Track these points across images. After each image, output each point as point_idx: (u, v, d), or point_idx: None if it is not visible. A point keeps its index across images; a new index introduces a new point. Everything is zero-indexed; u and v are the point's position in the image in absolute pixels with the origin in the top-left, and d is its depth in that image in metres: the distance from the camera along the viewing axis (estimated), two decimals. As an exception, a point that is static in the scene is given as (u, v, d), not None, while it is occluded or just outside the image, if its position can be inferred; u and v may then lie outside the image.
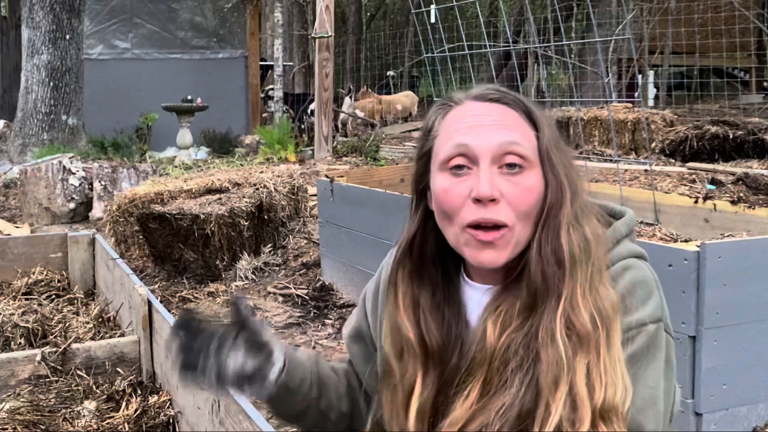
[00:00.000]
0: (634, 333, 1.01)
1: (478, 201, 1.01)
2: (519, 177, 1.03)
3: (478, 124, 1.05)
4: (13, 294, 3.24)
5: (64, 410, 2.30)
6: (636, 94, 13.01)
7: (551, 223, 1.03)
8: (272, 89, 11.68)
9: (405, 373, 1.11)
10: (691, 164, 6.80)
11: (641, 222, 3.88)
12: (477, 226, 1.02)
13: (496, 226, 1.02)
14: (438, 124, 1.11)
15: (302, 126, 11.39)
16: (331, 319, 3.85)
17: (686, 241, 3.00)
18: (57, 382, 2.45)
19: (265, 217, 4.77)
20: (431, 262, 1.12)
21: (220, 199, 4.69)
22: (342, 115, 12.43)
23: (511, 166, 1.03)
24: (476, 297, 1.11)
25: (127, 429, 2.19)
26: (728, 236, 3.33)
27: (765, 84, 17.12)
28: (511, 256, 1.04)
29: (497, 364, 1.01)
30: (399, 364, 1.11)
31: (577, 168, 1.10)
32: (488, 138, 1.04)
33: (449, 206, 1.04)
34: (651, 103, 13.58)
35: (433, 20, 6.00)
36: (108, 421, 2.22)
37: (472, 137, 1.04)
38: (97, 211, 6.34)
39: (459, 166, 1.04)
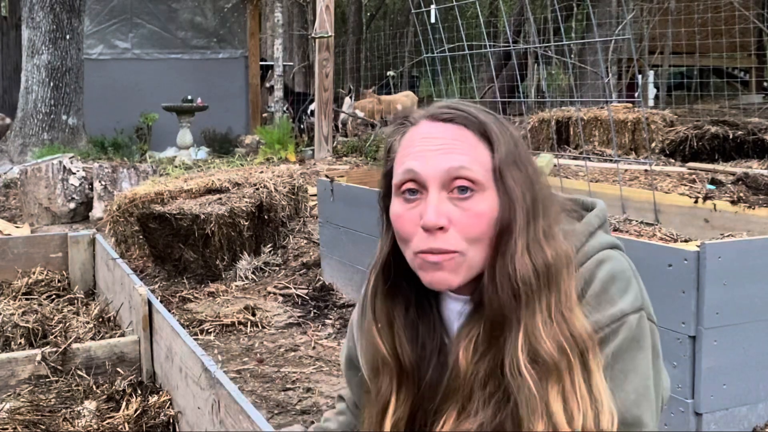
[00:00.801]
0: (617, 325, 1.00)
1: (426, 230, 1.00)
2: (469, 202, 1.01)
3: (427, 149, 1.03)
4: (14, 294, 3.24)
5: (64, 410, 2.31)
6: (636, 94, 13.01)
7: (504, 248, 1.00)
8: (273, 83, 11.68)
9: (379, 391, 1.11)
10: (691, 164, 6.80)
11: (641, 222, 3.88)
12: (428, 252, 1.01)
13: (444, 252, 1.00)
14: (397, 143, 1.09)
15: (302, 126, 11.39)
16: (331, 319, 3.85)
17: (686, 241, 3.00)
18: (57, 382, 2.45)
19: (265, 217, 4.77)
20: (404, 279, 1.11)
21: (220, 199, 4.69)
22: (342, 115, 12.43)
23: (462, 190, 1.00)
24: (457, 308, 1.10)
25: (127, 429, 2.19)
26: (728, 236, 3.33)
27: (765, 84, 17.12)
28: (465, 278, 1.02)
29: (469, 392, 1.01)
30: (374, 382, 1.12)
31: (543, 183, 1.06)
32: (435, 163, 1.01)
33: (403, 232, 1.04)
34: (651, 103, 13.58)
35: (433, 20, 6.00)
36: (108, 421, 2.22)
37: (420, 163, 1.02)
38: (98, 211, 6.34)
39: (411, 191, 1.03)
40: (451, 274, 1.01)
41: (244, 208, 4.59)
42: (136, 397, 2.34)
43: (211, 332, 3.67)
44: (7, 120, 10.19)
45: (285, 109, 11.05)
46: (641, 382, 1.00)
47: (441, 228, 1.00)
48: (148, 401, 2.30)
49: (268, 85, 13.28)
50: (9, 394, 2.38)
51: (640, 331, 1.02)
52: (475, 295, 1.05)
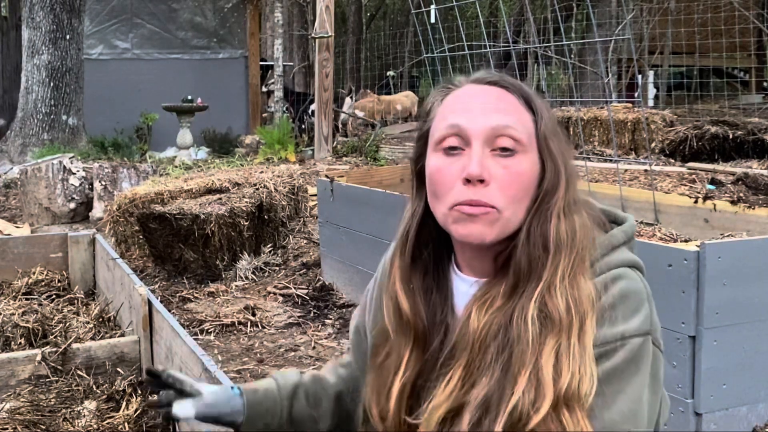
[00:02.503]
0: (617, 345, 1.00)
1: (468, 181, 1.02)
2: (511, 160, 1.03)
3: (473, 106, 1.06)
4: (14, 294, 3.24)
5: (64, 410, 2.31)
6: (636, 94, 13.01)
7: (543, 208, 1.04)
8: (272, 82, 11.67)
9: (391, 353, 1.12)
10: (691, 164, 6.80)
11: (641, 222, 3.88)
12: (466, 204, 1.03)
13: (482, 205, 1.03)
14: (437, 106, 1.11)
15: (302, 126, 11.39)
16: (331, 319, 3.85)
17: (686, 241, 3.00)
18: (57, 382, 2.45)
19: (265, 217, 4.77)
20: (426, 246, 1.14)
21: (220, 199, 4.69)
22: (342, 115, 12.43)
23: (504, 149, 1.03)
24: (464, 288, 1.12)
25: (127, 429, 2.19)
26: (728, 236, 3.33)
27: (765, 84, 17.13)
28: (499, 235, 1.04)
29: (478, 348, 1.02)
30: (392, 340, 1.13)
31: (572, 156, 1.10)
32: (482, 120, 1.04)
33: (441, 185, 1.05)
34: (651, 103, 13.58)
35: (433, 20, 6.00)
36: (108, 421, 2.22)
37: (466, 118, 1.04)
38: (98, 211, 6.34)
39: (453, 147, 1.05)
40: (486, 227, 1.03)
41: (244, 208, 4.59)
42: (136, 397, 2.34)
43: (211, 332, 3.67)
44: (1, 121, 10.18)
45: (285, 109, 11.05)
46: (629, 405, 0.99)
47: (482, 181, 1.02)
48: (148, 401, 2.30)
49: (265, 89, 13.29)
50: (9, 394, 2.38)
51: (642, 355, 1.01)
52: (499, 260, 1.07)
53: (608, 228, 1.11)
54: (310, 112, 10.85)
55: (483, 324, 1.03)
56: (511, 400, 0.96)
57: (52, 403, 2.36)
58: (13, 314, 2.87)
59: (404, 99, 15.60)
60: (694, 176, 6.03)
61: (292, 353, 3.39)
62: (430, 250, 1.14)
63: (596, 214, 1.12)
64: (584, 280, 1.01)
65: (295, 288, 4.32)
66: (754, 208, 3.54)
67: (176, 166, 8.14)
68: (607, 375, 0.99)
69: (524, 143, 1.04)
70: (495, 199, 1.02)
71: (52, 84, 9.44)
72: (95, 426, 2.20)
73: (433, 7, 5.75)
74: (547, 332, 0.98)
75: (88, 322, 2.92)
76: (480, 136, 1.03)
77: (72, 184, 6.50)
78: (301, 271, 4.57)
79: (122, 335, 2.83)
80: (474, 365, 1.02)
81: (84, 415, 2.25)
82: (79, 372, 2.49)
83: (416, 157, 1.14)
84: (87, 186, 6.56)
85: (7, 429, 2.17)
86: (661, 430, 1.10)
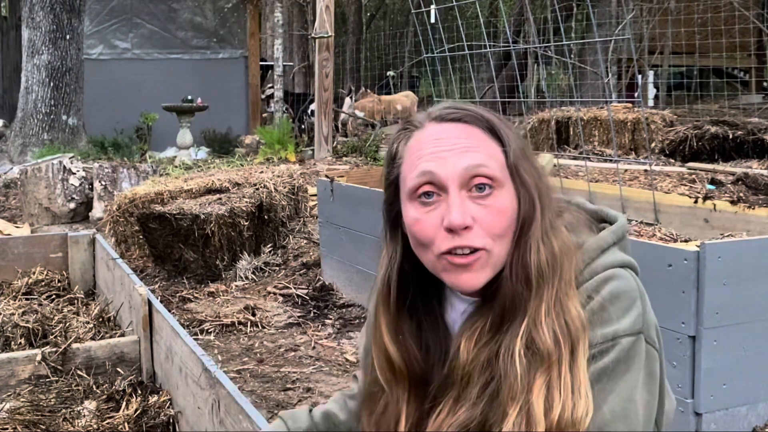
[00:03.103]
0: (608, 346, 0.99)
1: (451, 230, 1.00)
2: (490, 199, 1.01)
3: (441, 150, 1.03)
4: (14, 294, 3.24)
5: (64, 410, 2.31)
6: (636, 94, 13.01)
7: (522, 240, 1.02)
8: (271, 87, 11.66)
9: (390, 402, 1.11)
10: (690, 164, 6.80)
11: (641, 222, 3.88)
12: (454, 252, 1.01)
13: (472, 250, 1.01)
14: (402, 149, 1.08)
15: (302, 126, 11.39)
16: (331, 319, 3.85)
17: (686, 241, 3.00)
18: (57, 382, 2.45)
19: (265, 217, 4.77)
20: (410, 286, 1.11)
21: (220, 199, 4.69)
22: (342, 115, 12.43)
23: (480, 188, 1.01)
24: (462, 308, 1.11)
25: (127, 429, 2.19)
26: (728, 236, 3.33)
27: (765, 84, 17.12)
28: (490, 276, 1.03)
29: (467, 381, 1.02)
30: (387, 391, 1.12)
31: (545, 175, 1.08)
32: (453, 164, 1.01)
33: (423, 237, 1.03)
34: (651, 103, 13.58)
35: (433, 20, 6.00)
36: (108, 421, 2.22)
37: (436, 164, 1.02)
38: (98, 211, 6.34)
39: (427, 194, 1.03)
40: (477, 273, 1.01)
41: (244, 208, 4.59)
42: (136, 397, 2.34)
43: (211, 332, 3.67)
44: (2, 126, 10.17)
45: (285, 109, 11.05)
46: (620, 404, 0.99)
47: (466, 228, 1.00)
48: (148, 401, 2.30)
49: (264, 96, 13.27)
50: (9, 394, 2.38)
51: (632, 354, 1.01)
52: (488, 288, 1.05)
53: (598, 229, 1.10)
54: (309, 112, 10.85)
55: (471, 357, 1.02)
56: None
57: (52, 403, 2.36)
58: (13, 314, 2.87)
59: (404, 99, 15.60)
60: (694, 176, 6.03)
61: (292, 353, 3.39)
62: (415, 288, 1.11)
63: (585, 216, 1.11)
64: (572, 303, 1.00)
65: (295, 288, 4.32)
66: (754, 208, 3.54)
67: (176, 166, 8.14)
68: (598, 375, 0.99)
69: (499, 178, 1.02)
70: (481, 241, 1.00)
71: (52, 84, 9.43)
72: (95, 426, 2.20)
73: (433, 7, 5.75)
74: (537, 366, 0.97)
75: (88, 322, 2.92)
76: (454, 181, 1.01)
77: (72, 184, 6.50)
78: (301, 271, 4.57)
79: (122, 335, 2.83)
80: (461, 397, 1.02)
81: (84, 415, 2.25)
82: (79, 372, 2.49)
83: (389, 203, 1.11)
84: (87, 186, 6.56)
85: (7, 429, 2.17)
86: (666, 429, 1.09)
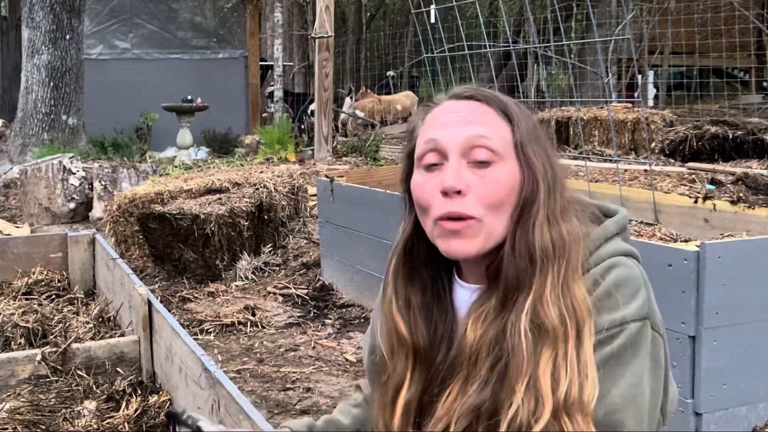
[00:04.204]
0: (615, 331, 1.01)
1: (446, 194, 1.04)
2: (488, 170, 1.05)
3: (449, 120, 1.08)
4: (13, 294, 3.24)
5: (64, 410, 2.31)
6: (636, 94, 13.00)
7: (525, 217, 1.05)
8: (273, 84, 11.65)
9: (395, 371, 1.13)
10: (690, 164, 6.80)
11: (641, 222, 3.88)
12: (447, 218, 1.05)
13: (464, 217, 1.04)
14: (419, 125, 1.14)
15: (302, 126, 11.39)
16: (331, 319, 3.85)
17: (686, 241, 3.00)
18: (57, 382, 2.45)
19: (265, 217, 4.77)
20: (423, 262, 1.15)
21: (220, 199, 4.69)
22: (342, 115, 12.43)
23: (480, 161, 1.05)
24: (466, 297, 1.13)
25: (127, 429, 2.19)
26: (728, 236, 3.33)
27: (765, 84, 17.12)
28: (484, 247, 1.05)
29: (475, 361, 1.04)
30: (390, 362, 1.14)
31: (560, 164, 1.11)
32: (456, 132, 1.06)
33: (423, 201, 1.08)
34: (651, 103, 13.58)
35: (432, 20, 6.00)
36: (108, 421, 2.22)
37: (441, 133, 1.07)
38: (97, 211, 6.34)
39: (433, 164, 1.07)
40: (469, 241, 1.04)
41: (244, 208, 4.59)
42: (136, 397, 2.34)
43: (211, 332, 3.67)
44: (6, 130, 10.17)
45: (285, 109, 11.05)
46: (628, 389, 1.01)
47: (459, 192, 1.03)
48: (148, 401, 2.30)
49: (267, 93, 13.27)
50: (9, 394, 2.38)
51: (639, 339, 1.02)
52: (490, 269, 1.08)
53: (602, 221, 1.12)
54: (309, 112, 10.85)
55: (479, 337, 1.04)
56: (509, 411, 0.97)
57: (52, 403, 2.36)
58: (13, 314, 2.88)
59: (404, 99, 15.60)
60: (694, 176, 6.03)
61: (292, 353, 3.40)
62: (427, 265, 1.15)
63: (589, 209, 1.13)
64: (578, 288, 1.02)
65: (295, 288, 4.32)
66: (754, 208, 3.54)
67: (176, 166, 8.14)
68: (607, 359, 1.00)
69: (500, 152, 1.05)
70: (473, 209, 1.04)
71: (52, 84, 9.43)
72: (95, 426, 2.20)
73: (433, 7, 5.75)
74: (543, 343, 0.99)
75: (88, 322, 2.92)
76: (456, 149, 1.05)
77: (72, 184, 6.50)
78: (301, 271, 4.57)
79: (122, 335, 2.83)
80: (472, 378, 1.04)
81: (84, 415, 2.25)
82: (79, 372, 2.49)
83: (405, 175, 1.16)
84: (87, 186, 6.56)
85: (7, 429, 2.17)
86: (670, 417, 1.10)
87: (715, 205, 3.73)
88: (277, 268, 4.67)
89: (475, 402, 1.02)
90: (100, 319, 2.99)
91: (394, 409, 1.12)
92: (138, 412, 2.24)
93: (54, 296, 3.30)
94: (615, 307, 1.02)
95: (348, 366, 3.21)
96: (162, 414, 2.24)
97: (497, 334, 1.03)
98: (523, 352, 0.99)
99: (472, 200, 1.04)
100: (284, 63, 12.35)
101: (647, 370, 1.03)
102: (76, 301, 3.23)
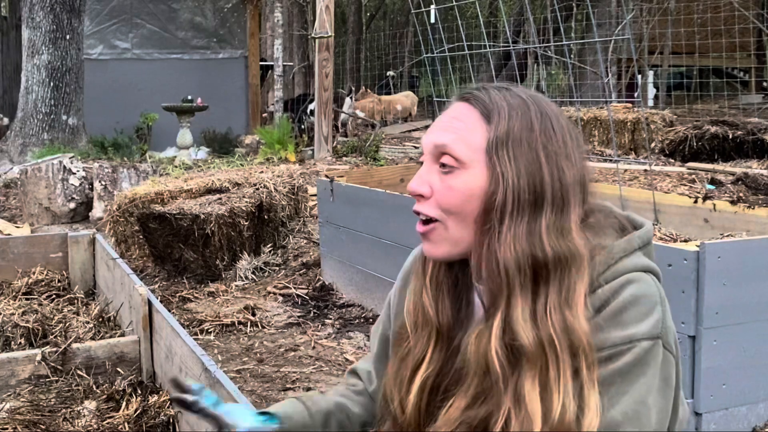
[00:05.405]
0: (624, 348, 0.99)
1: (412, 194, 1.10)
2: (448, 176, 1.06)
3: (435, 124, 1.12)
4: (14, 294, 3.24)
5: (64, 410, 2.31)
6: (635, 94, 13.01)
7: (487, 230, 1.02)
8: (272, 105, 11.64)
9: (416, 347, 1.14)
10: (690, 164, 6.81)
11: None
12: (419, 220, 1.10)
13: (428, 220, 1.08)
14: None
15: (302, 126, 11.39)
16: (331, 318, 3.85)
17: (686, 241, 3.01)
18: (57, 382, 2.45)
19: (265, 217, 4.77)
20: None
21: (220, 199, 4.69)
22: (342, 115, 12.43)
23: (443, 165, 1.07)
24: (478, 300, 1.14)
25: (127, 429, 2.19)
26: (728, 236, 3.33)
27: (765, 84, 17.12)
28: (449, 251, 1.08)
29: (473, 374, 1.04)
30: (413, 337, 1.15)
31: (569, 170, 1.04)
32: (429, 138, 1.10)
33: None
34: (650, 103, 13.58)
35: (432, 20, 6.00)
36: (108, 420, 2.22)
37: (425, 136, 1.11)
38: (98, 211, 6.34)
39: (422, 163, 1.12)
40: (434, 244, 1.09)
41: (244, 208, 4.59)
42: (136, 397, 2.34)
43: (211, 332, 3.67)
44: (5, 120, 10.19)
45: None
46: (632, 406, 0.99)
47: (421, 195, 1.08)
48: (148, 401, 2.30)
49: (267, 112, 13.28)
50: (9, 394, 2.38)
51: (648, 359, 1.00)
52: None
53: (627, 233, 1.09)
54: (309, 112, 10.85)
55: (473, 351, 1.04)
56: (497, 427, 0.98)
57: (52, 403, 2.36)
58: (13, 314, 2.88)
59: (404, 99, 15.61)
60: (693, 176, 6.03)
61: (292, 353, 3.40)
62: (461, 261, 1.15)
63: (615, 219, 1.10)
64: (573, 314, 0.98)
65: (295, 288, 4.33)
66: (754, 208, 3.54)
67: (176, 166, 8.14)
68: (612, 376, 0.98)
69: (463, 161, 1.05)
70: (431, 211, 1.07)
71: (52, 84, 9.44)
72: (95, 426, 2.20)
73: (433, 7, 5.75)
74: (519, 366, 0.98)
75: (88, 322, 2.92)
76: (428, 154, 1.09)
77: (72, 184, 6.50)
78: (301, 271, 4.57)
79: (122, 335, 2.83)
80: (471, 390, 1.04)
81: (84, 415, 2.25)
82: (79, 372, 2.49)
83: None
84: (87, 186, 6.56)
85: (7, 429, 2.17)
86: None
87: (715, 205, 3.73)
88: (277, 268, 4.67)
89: (470, 415, 1.02)
90: (100, 319, 2.99)
91: (411, 385, 1.12)
92: (138, 412, 2.24)
93: (54, 296, 3.30)
94: (626, 323, 0.99)
95: (348, 366, 3.21)
96: (162, 414, 2.24)
97: (485, 349, 1.02)
98: (497, 369, 0.99)
99: (431, 203, 1.07)
100: (284, 63, 12.35)
101: (655, 390, 1.00)
102: (76, 301, 3.23)
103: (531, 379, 0.97)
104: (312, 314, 3.93)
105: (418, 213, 1.09)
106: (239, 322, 3.76)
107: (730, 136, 6.91)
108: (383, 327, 1.31)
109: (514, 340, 0.98)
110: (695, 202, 3.85)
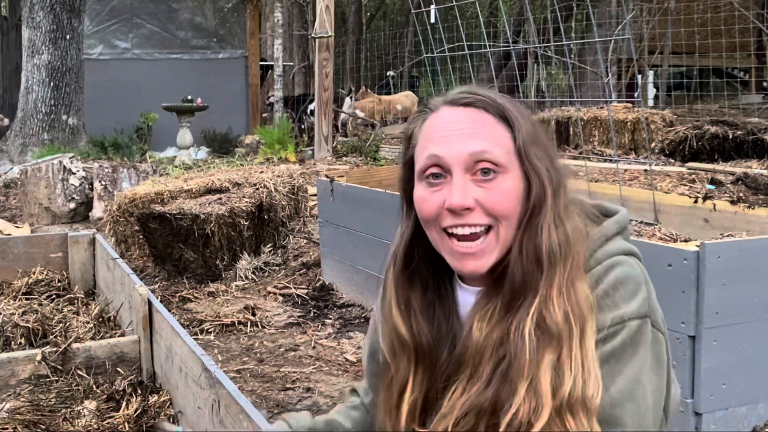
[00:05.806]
0: (616, 329, 1.02)
1: (452, 211, 1.05)
2: (493, 183, 1.05)
3: (449, 133, 1.07)
4: (14, 294, 3.24)
5: (64, 410, 2.31)
6: (635, 94, 13.00)
7: (533, 222, 1.05)
8: (272, 95, 11.64)
9: (398, 372, 1.14)
10: (690, 164, 6.80)
11: (641, 222, 3.88)
12: (455, 236, 1.05)
13: (474, 234, 1.04)
14: (417, 131, 1.12)
15: (302, 126, 11.39)
16: (331, 318, 3.85)
17: (686, 241, 3.01)
18: (57, 381, 2.45)
19: (265, 217, 4.77)
20: (423, 263, 1.15)
21: (220, 199, 4.69)
22: (342, 115, 12.42)
23: (485, 172, 1.05)
24: (469, 299, 1.13)
25: (127, 429, 2.19)
26: (728, 236, 3.33)
27: (765, 84, 17.12)
28: (497, 258, 1.06)
29: (479, 360, 1.04)
30: (393, 363, 1.14)
31: (560, 163, 1.11)
32: (459, 148, 1.05)
33: (427, 215, 1.08)
34: (651, 103, 13.57)
35: (432, 20, 6.00)
36: (108, 420, 2.22)
37: (444, 148, 1.06)
38: (98, 211, 6.34)
39: (435, 175, 1.07)
40: (485, 258, 1.06)
41: (244, 208, 4.59)
42: (136, 397, 2.34)
43: (211, 332, 3.67)
44: (6, 121, 10.19)
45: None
46: (627, 385, 1.02)
47: (467, 209, 1.04)
48: (148, 401, 2.30)
49: (268, 103, 13.26)
50: (9, 393, 2.38)
51: (640, 337, 1.03)
52: (496, 272, 1.08)
53: (601, 221, 1.12)
54: (309, 112, 10.84)
55: (484, 336, 1.05)
56: (510, 412, 0.98)
57: (52, 402, 2.36)
58: (13, 314, 2.87)
59: (404, 99, 15.60)
60: (694, 176, 6.03)
61: (292, 353, 3.40)
62: (428, 266, 1.15)
63: (588, 210, 1.13)
64: (581, 285, 1.03)
65: (295, 288, 4.32)
66: (754, 208, 3.54)
67: (176, 166, 8.14)
68: (606, 357, 1.01)
69: (503, 164, 1.05)
70: (482, 220, 1.05)
71: (52, 84, 9.44)
72: (95, 426, 2.20)
73: (433, 7, 5.75)
74: (546, 345, 1.00)
75: (88, 322, 2.92)
76: (459, 165, 1.05)
77: (72, 184, 6.50)
78: (301, 271, 4.57)
79: (122, 335, 2.83)
80: (475, 377, 1.04)
81: (84, 415, 2.25)
82: (79, 372, 2.49)
83: (404, 181, 1.16)
84: (87, 186, 6.56)
85: (7, 429, 2.17)
86: (672, 415, 1.11)
87: (715, 205, 3.73)
88: (277, 268, 4.67)
89: (478, 401, 1.02)
90: (100, 319, 2.99)
91: (400, 411, 1.12)
92: (138, 412, 2.24)
93: (54, 296, 3.30)
94: (616, 305, 1.03)
95: (348, 366, 3.21)
96: (162, 414, 2.24)
97: (501, 335, 1.03)
98: (526, 354, 1.00)
99: (481, 212, 1.04)
100: (284, 63, 12.35)
101: (647, 368, 1.04)
102: (76, 301, 3.23)
103: (548, 359, 0.99)
104: (312, 314, 3.93)
105: (454, 227, 1.05)
106: (239, 322, 3.76)
107: (730, 136, 6.91)
108: (371, 344, 1.30)
109: (543, 321, 1.00)
110: (695, 202, 3.85)
